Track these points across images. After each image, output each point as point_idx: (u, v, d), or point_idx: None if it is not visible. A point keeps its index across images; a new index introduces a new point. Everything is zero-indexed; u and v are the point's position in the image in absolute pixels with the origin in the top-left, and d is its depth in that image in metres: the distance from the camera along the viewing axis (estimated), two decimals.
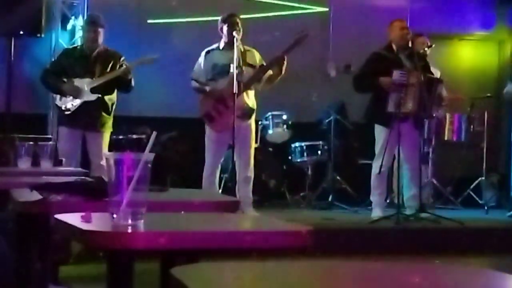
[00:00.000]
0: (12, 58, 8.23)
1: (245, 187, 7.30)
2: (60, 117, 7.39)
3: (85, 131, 7.19)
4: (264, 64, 7.32)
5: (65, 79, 7.12)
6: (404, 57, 7.52)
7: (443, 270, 1.59)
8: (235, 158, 7.18)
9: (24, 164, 4.32)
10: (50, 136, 7.58)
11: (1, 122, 7.91)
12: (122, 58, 7.25)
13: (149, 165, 1.90)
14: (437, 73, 8.41)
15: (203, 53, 7.37)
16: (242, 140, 7.14)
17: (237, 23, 7.22)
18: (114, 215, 1.88)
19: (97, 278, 2.22)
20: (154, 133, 2.02)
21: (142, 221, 1.87)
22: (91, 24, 7.22)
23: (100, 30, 7.18)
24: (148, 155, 1.90)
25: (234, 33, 7.08)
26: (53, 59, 7.41)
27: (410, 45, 7.67)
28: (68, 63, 7.20)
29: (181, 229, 1.89)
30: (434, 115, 8.03)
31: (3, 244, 3.46)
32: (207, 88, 7.25)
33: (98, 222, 1.95)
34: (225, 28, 7.23)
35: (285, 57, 7.13)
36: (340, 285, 1.36)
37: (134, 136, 7.95)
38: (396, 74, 7.21)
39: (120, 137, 8.07)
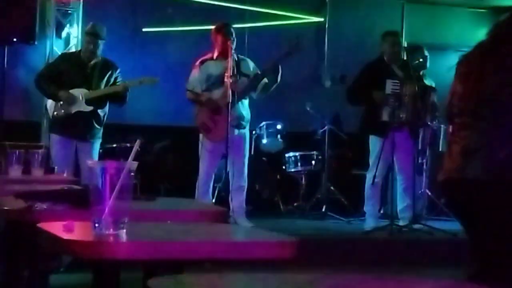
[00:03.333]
0: (6, 65, 8.21)
1: (239, 196, 7.26)
2: (51, 123, 7.37)
3: (75, 140, 7.17)
4: (259, 72, 7.31)
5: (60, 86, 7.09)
6: (397, 68, 7.53)
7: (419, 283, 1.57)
8: (228, 168, 7.14)
9: (14, 171, 4.30)
10: (42, 143, 7.54)
11: None
12: (118, 70, 7.26)
13: (133, 174, 1.88)
14: (431, 84, 8.40)
15: (197, 64, 7.35)
16: (237, 149, 7.13)
17: (232, 33, 7.21)
18: (96, 224, 1.86)
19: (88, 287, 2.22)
20: (138, 141, 1.99)
21: (125, 230, 1.85)
22: (93, 35, 7.18)
23: (100, 42, 7.17)
24: (131, 164, 1.88)
25: (229, 43, 7.06)
26: (49, 63, 7.37)
27: (405, 57, 7.68)
28: (65, 68, 7.17)
29: (163, 239, 1.86)
30: (428, 123, 8.01)
31: None
32: (203, 98, 7.23)
33: (80, 231, 1.93)
34: (219, 37, 7.21)
35: (279, 65, 7.13)
36: None
37: (127, 145, 7.93)
38: (389, 84, 7.21)
39: (114, 145, 8.05)
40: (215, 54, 7.27)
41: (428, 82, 8.01)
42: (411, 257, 6.79)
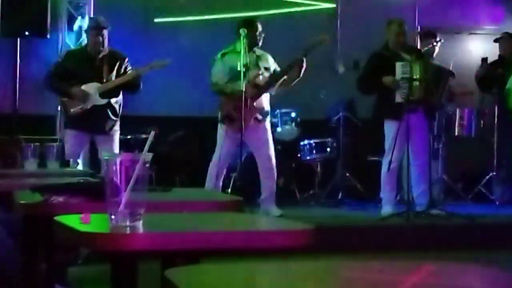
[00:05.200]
0: (18, 59, 8.23)
1: (269, 186, 7.39)
2: (66, 120, 7.37)
3: (93, 134, 7.16)
4: (278, 67, 7.43)
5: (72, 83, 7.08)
6: (404, 52, 7.50)
7: (445, 269, 1.56)
8: (257, 160, 7.36)
9: (30, 165, 4.32)
10: (57, 137, 7.57)
11: (7, 124, 7.91)
12: (126, 60, 7.23)
13: (148, 165, 1.87)
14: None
15: (218, 55, 7.42)
16: (261, 141, 7.32)
17: (257, 28, 7.27)
18: (113, 216, 1.86)
19: (106, 280, 2.21)
20: (153, 132, 1.99)
21: (141, 222, 1.84)
22: (97, 28, 7.16)
23: (105, 32, 7.15)
24: (146, 155, 1.87)
25: (257, 39, 7.20)
26: (56, 62, 7.36)
27: (417, 42, 7.68)
28: (73, 66, 7.13)
29: (180, 230, 1.86)
30: (443, 106, 7.99)
31: (11, 246, 3.45)
32: (229, 90, 7.29)
33: (96, 224, 1.93)
34: (243, 32, 7.21)
35: (304, 60, 7.20)
36: (336, 286, 1.33)
37: (143, 136, 7.94)
38: (399, 67, 7.21)
39: (128, 137, 8.07)
40: (238, 48, 7.29)
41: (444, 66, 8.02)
42: (428, 243, 6.77)
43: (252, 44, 7.26)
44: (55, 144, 4.65)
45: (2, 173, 4.11)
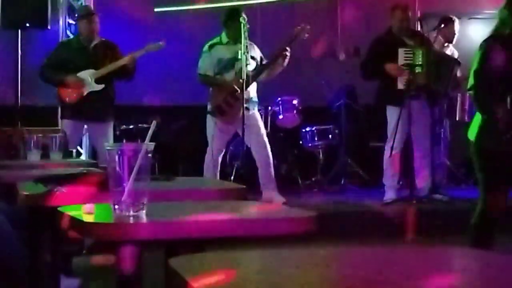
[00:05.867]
0: (20, 50, 8.22)
1: (267, 172, 7.41)
2: (62, 109, 7.37)
3: (89, 122, 7.19)
4: (263, 58, 7.52)
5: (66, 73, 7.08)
6: (407, 38, 7.49)
7: (447, 253, 1.57)
8: (251, 149, 7.37)
9: (33, 156, 4.33)
10: (59, 128, 7.57)
11: (9, 115, 7.91)
12: (118, 48, 7.26)
13: (150, 155, 1.88)
14: (454, 54, 8.39)
15: (206, 47, 7.46)
16: (252, 128, 7.30)
17: (243, 18, 7.26)
18: (116, 206, 1.87)
19: (110, 269, 2.22)
20: (154, 122, 2.00)
21: (144, 211, 1.85)
22: (87, 16, 7.19)
23: (96, 18, 7.16)
24: (149, 145, 1.88)
25: (240, 28, 7.15)
26: (49, 53, 7.36)
27: (418, 27, 7.67)
28: (67, 56, 7.15)
29: (184, 219, 1.87)
30: (449, 95, 8.00)
31: (15, 236, 3.46)
32: (219, 81, 7.35)
33: (100, 214, 1.94)
34: (230, 22, 7.24)
35: (288, 50, 7.30)
36: (340, 272, 1.34)
37: (144, 126, 7.95)
38: (401, 53, 7.20)
39: (131, 126, 8.08)
40: (224, 39, 7.35)
41: (450, 51, 8.05)
42: (431, 228, 6.78)
43: (238, 34, 7.20)
44: (57, 134, 4.65)
45: (5, 165, 4.12)
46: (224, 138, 7.48)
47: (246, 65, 7.21)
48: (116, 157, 1.85)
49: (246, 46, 7.26)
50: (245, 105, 7.13)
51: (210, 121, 7.43)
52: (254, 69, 7.39)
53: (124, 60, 7.12)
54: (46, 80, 7.28)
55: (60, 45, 7.55)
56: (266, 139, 7.46)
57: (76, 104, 7.07)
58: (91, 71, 7.09)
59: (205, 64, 7.41)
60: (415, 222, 6.98)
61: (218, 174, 7.48)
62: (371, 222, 7.02)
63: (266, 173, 7.41)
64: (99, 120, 7.14)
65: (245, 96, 7.16)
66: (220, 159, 7.53)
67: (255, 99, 7.52)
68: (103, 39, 7.25)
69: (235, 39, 7.26)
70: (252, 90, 7.47)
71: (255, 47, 7.59)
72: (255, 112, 7.50)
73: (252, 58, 7.42)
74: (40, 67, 7.29)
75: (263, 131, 7.52)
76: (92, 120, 7.16)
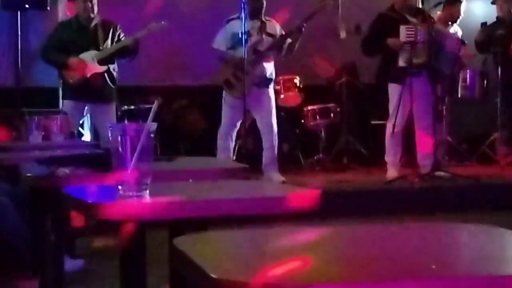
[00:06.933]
0: (20, 32, 8.21)
1: (270, 153, 7.45)
2: (64, 90, 7.35)
3: (91, 103, 7.17)
4: (283, 33, 7.46)
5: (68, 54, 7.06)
6: (409, 15, 7.47)
7: (449, 229, 1.57)
8: (258, 126, 7.41)
9: (35, 138, 4.32)
10: (61, 109, 7.57)
11: (10, 97, 7.91)
12: (119, 26, 7.23)
13: (152, 135, 1.88)
14: (458, 32, 8.36)
15: (224, 22, 7.47)
16: (263, 107, 7.35)
17: None
18: (120, 187, 1.87)
19: (114, 250, 2.23)
20: (156, 102, 1.99)
21: (148, 191, 1.86)
22: None
23: None
24: (151, 125, 1.88)
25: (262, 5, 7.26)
26: (50, 34, 7.33)
27: (420, 4, 7.64)
28: (68, 36, 7.11)
29: (187, 198, 1.87)
30: (454, 74, 8.01)
31: (18, 218, 3.47)
32: (229, 55, 7.35)
33: (103, 194, 1.94)
34: None
35: (304, 25, 7.28)
36: (342, 249, 1.34)
37: (146, 106, 7.94)
38: (403, 30, 7.18)
39: (132, 107, 8.07)
40: (242, 14, 7.32)
41: (454, 29, 8.05)
42: (433, 205, 6.80)
43: (255, 10, 7.27)
44: (59, 116, 4.65)
45: (7, 146, 4.12)
46: (234, 115, 7.39)
47: (261, 40, 7.22)
48: (119, 138, 1.85)
49: (262, 22, 7.26)
50: (255, 82, 7.15)
51: (223, 99, 7.43)
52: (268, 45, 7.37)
53: (127, 41, 7.10)
54: (48, 62, 7.25)
55: (60, 25, 7.50)
56: (274, 121, 7.48)
57: (79, 85, 7.06)
58: (94, 52, 7.06)
59: (219, 39, 7.45)
60: (417, 199, 7.00)
61: (231, 151, 7.51)
62: (373, 200, 7.04)
63: (270, 154, 7.45)
64: (101, 101, 7.13)
65: (257, 72, 7.15)
66: (233, 133, 7.50)
67: (271, 76, 7.50)
68: (102, 19, 7.21)
69: (252, 15, 7.26)
70: (269, 68, 7.44)
71: (275, 23, 7.54)
72: (268, 90, 7.49)
73: (270, 34, 7.41)
74: (41, 48, 7.26)
75: (273, 112, 7.52)
76: (94, 101, 7.14)
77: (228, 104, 7.38)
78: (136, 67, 7.76)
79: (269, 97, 7.47)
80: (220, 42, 7.44)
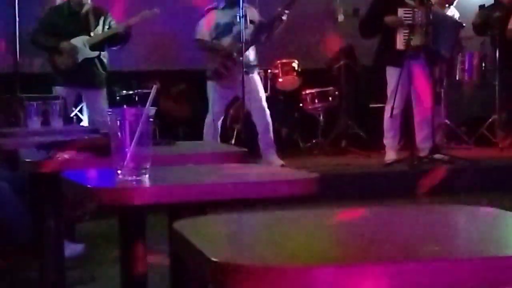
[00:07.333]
0: (17, 17, 8.19)
1: (266, 136, 7.46)
2: (55, 76, 7.33)
3: (82, 88, 7.18)
4: (263, 20, 7.51)
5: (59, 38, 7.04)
6: None
7: (448, 210, 1.57)
8: (250, 112, 7.39)
9: (34, 123, 4.33)
10: (59, 94, 7.56)
11: (8, 82, 7.90)
12: (109, 13, 7.23)
13: (151, 119, 1.88)
14: (455, 14, 8.34)
15: (204, 12, 7.50)
16: (251, 93, 7.31)
17: None
18: (119, 171, 1.87)
19: (114, 234, 2.24)
20: (155, 87, 1.99)
21: (147, 175, 1.86)
22: None
23: None
24: (150, 109, 1.88)
25: None
26: (40, 19, 7.31)
27: None
28: (59, 21, 7.11)
29: (186, 182, 1.87)
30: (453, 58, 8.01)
31: (18, 203, 3.48)
32: (216, 46, 7.36)
33: (103, 179, 1.94)
34: None
35: (286, 13, 7.31)
36: (342, 232, 1.35)
37: (144, 91, 7.94)
38: (401, 13, 7.17)
39: (130, 92, 8.07)
40: (221, 4, 7.35)
41: (451, 11, 8.05)
42: (432, 187, 6.80)
43: None
44: (57, 101, 4.65)
45: (6, 132, 4.13)
46: (223, 103, 7.54)
47: (244, 28, 7.20)
48: (118, 122, 1.85)
49: (243, 10, 7.26)
50: (244, 69, 7.14)
51: (210, 86, 7.48)
52: (252, 32, 7.38)
53: (119, 28, 7.11)
54: (39, 47, 7.26)
55: (51, 10, 7.47)
56: (265, 104, 7.50)
57: (70, 71, 7.05)
58: (85, 37, 7.06)
59: (201, 29, 7.44)
60: (416, 182, 7.01)
61: (218, 138, 7.52)
62: (372, 183, 7.05)
63: (266, 138, 7.46)
64: (92, 86, 7.15)
65: (244, 61, 7.16)
66: (219, 123, 7.58)
67: (254, 62, 7.55)
68: (94, 5, 7.20)
69: (232, 3, 7.26)
70: (251, 54, 7.49)
71: (253, 10, 7.58)
72: (254, 76, 7.52)
73: (251, 22, 7.41)
74: (32, 32, 7.25)
75: (262, 95, 7.55)
76: (86, 87, 7.16)
77: (218, 93, 7.42)
78: (134, 52, 7.73)
79: (255, 81, 7.52)
80: (203, 33, 7.45)
